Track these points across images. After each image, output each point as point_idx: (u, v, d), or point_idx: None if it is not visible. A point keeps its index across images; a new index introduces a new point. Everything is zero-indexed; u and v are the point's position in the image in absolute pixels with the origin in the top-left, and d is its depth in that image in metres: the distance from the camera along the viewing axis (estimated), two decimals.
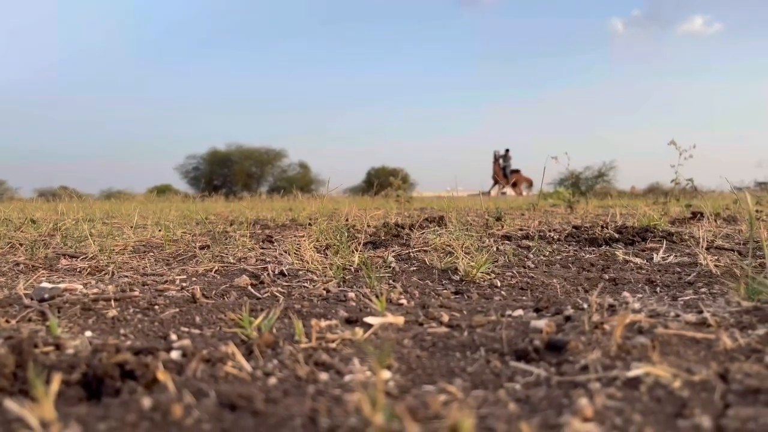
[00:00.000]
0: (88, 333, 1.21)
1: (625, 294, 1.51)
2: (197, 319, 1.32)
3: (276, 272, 1.95)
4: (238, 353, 0.99)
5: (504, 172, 22.50)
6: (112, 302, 1.43)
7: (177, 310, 1.39)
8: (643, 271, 1.96)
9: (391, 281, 1.81)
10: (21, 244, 2.67)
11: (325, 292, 1.63)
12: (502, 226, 3.44)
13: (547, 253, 2.38)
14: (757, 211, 4.37)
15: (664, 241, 2.57)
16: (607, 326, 1.06)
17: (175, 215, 4.59)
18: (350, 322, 1.28)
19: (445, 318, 1.29)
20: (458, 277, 1.85)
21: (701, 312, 1.16)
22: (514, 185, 22.39)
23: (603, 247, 2.59)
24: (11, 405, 0.68)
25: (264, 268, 2.01)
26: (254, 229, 3.79)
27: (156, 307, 1.42)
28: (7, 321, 1.28)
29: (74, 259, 2.28)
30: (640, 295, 1.52)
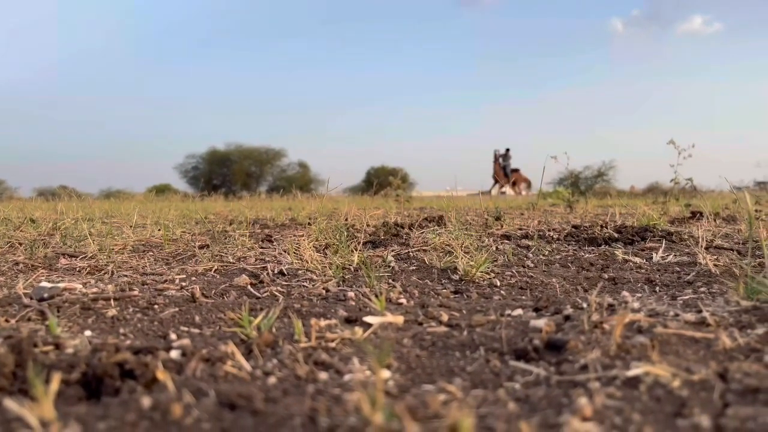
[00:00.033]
0: (88, 332, 1.20)
1: (625, 293, 1.51)
2: (197, 318, 1.32)
3: (275, 272, 1.95)
4: (237, 353, 0.99)
5: (504, 171, 22.50)
6: (112, 302, 1.43)
7: (176, 309, 1.39)
8: (643, 271, 1.96)
9: (390, 281, 1.81)
10: (20, 244, 2.67)
11: (324, 291, 1.63)
12: (502, 226, 3.44)
13: (547, 252, 2.39)
14: (756, 210, 4.37)
15: (664, 241, 2.57)
16: (606, 326, 1.06)
17: (174, 215, 4.59)
18: (350, 321, 1.28)
19: (445, 317, 1.29)
20: (458, 277, 1.85)
21: (700, 311, 1.16)
22: (514, 184, 22.40)
23: (602, 246, 2.59)
24: (11, 404, 0.68)
25: (263, 267, 2.01)
26: (254, 228, 3.79)
27: (155, 306, 1.42)
28: (7, 320, 1.28)
29: (74, 259, 2.28)
30: (640, 295, 1.52)
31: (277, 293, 1.62)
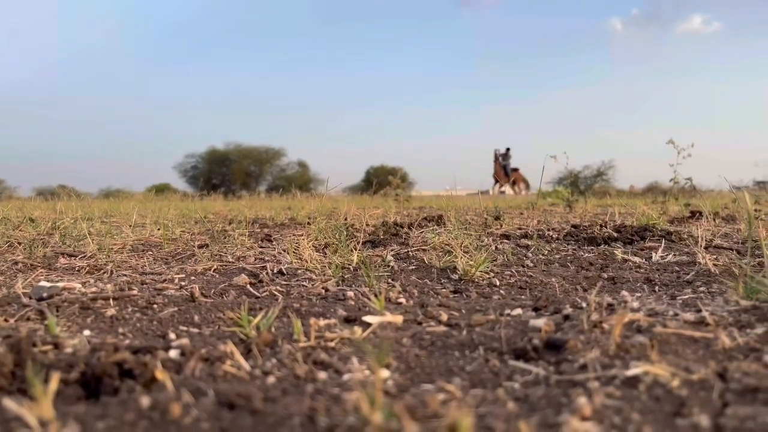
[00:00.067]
0: (87, 332, 1.20)
1: (624, 293, 1.51)
2: (196, 318, 1.32)
3: (275, 271, 1.95)
4: (236, 352, 0.99)
5: (505, 170, 22.51)
6: (111, 301, 1.43)
7: (176, 309, 1.39)
8: (642, 270, 1.96)
9: (389, 280, 1.81)
10: (19, 243, 2.67)
11: (323, 291, 1.63)
12: (501, 225, 3.44)
13: (546, 252, 2.39)
14: (755, 210, 4.37)
15: (663, 240, 2.57)
16: (605, 325, 1.06)
17: (173, 214, 4.59)
18: (349, 321, 1.28)
19: (444, 317, 1.29)
20: (457, 276, 1.85)
21: (700, 311, 1.16)
22: (513, 183, 22.41)
23: (602, 246, 2.59)
24: (10, 404, 0.68)
25: (263, 267, 2.01)
26: (253, 228, 3.79)
27: (155, 306, 1.42)
28: (6, 320, 1.28)
29: (73, 258, 2.28)
30: (639, 294, 1.52)
31: (276, 293, 1.62)
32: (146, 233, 3.04)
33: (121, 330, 1.23)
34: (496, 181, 22.22)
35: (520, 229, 3.26)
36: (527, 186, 22.07)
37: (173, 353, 0.98)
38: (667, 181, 5.18)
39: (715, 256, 2.09)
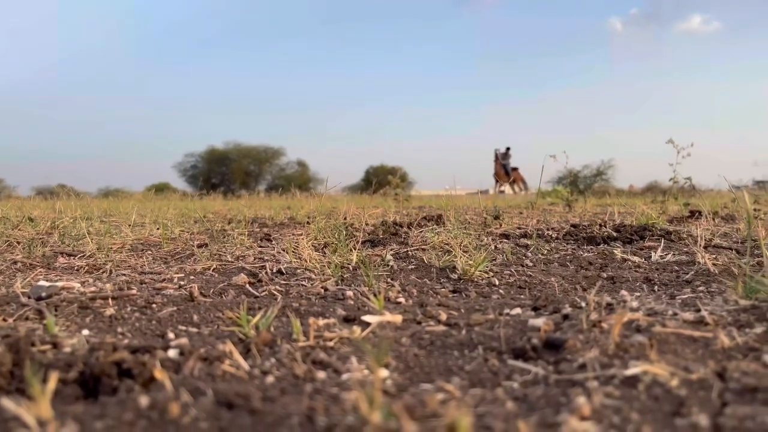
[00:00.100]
0: (86, 331, 1.20)
1: (623, 292, 1.51)
2: (195, 317, 1.32)
3: (274, 271, 1.94)
4: (235, 352, 0.98)
5: (505, 169, 22.52)
6: (110, 301, 1.43)
7: (175, 308, 1.39)
8: (641, 270, 1.96)
9: (389, 280, 1.80)
10: (18, 243, 2.67)
11: (323, 290, 1.63)
12: (501, 225, 3.44)
13: (546, 251, 2.39)
14: (754, 209, 4.38)
15: (662, 240, 2.57)
16: (605, 325, 1.06)
17: (173, 213, 4.58)
18: (348, 320, 1.28)
19: (443, 316, 1.29)
20: (456, 276, 1.85)
21: (699, 310, 1.16)
22: (513, 183, 22.41)
23: (601, 245, 2.59)
24: (8, 404, 0.68)
25: (262, 266, 2.01)
26: (252, 227, 3.79)
27: (153, 305, 1.42)
28: (5, 319, 1.28)
29: (72, 258, 2.28)
30: (638, 294, 1.52)
31: (275, 292, 1.62)
32: (145, 233, 3.03)
33: (119, 329, 1.22)
34: (497, 181, 22.23)
35: (519, 228, 3.26)
36: (525, 185, 22.08)
37: (172, 353, 0.98)
38: (667, 180, 5.19)
39: (714, 256, 2.09)
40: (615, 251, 2.28)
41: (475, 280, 1.79)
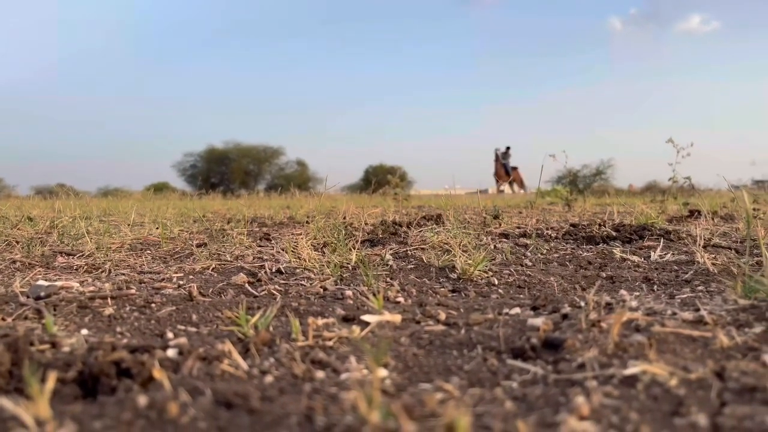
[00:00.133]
0: (84, 331, 1.20)
1: (623, 292, 1.51)
2: (194, 317, 1.32)
3: (273, 270, 1.94)
4: (234, 351, 0.98)
5: (506, 168, 22.53)
6: (109, 300, 1.43)
7: (173, 308, 1.39)
8: (641, 269, 1.96)
9: (388, 279, 1.80)
10: (17, 242, 2.66)
11: (322, 290, 1.63)
12: (500, 224, 3.44)
13: (545, 251, 2.39)
14: (754, 209, 4.38)
15: (662, 239, 2.57)
16: (604, 324, 1.06)
17: (172, 213, 4.58)
18: (347, 320, 1.28)
19: (442, 316, 1.29)
20: (455, 275, 1.85)
21: (698, 310, 1.16)
22: (512, 182, 22.42)
23: (600, 245, 2.59)
24: (6, 403, 0.68)
25: (261, 266, 2.01)
26: (252, 227, 3.79)
27: (152, 305, 1.42)
28: (3, 319, 1.28)
29: (71, 257, 2.27)
30: (638, 293, 1.52)
31: (274, 292, 1.62)
32: (145, 232, 3.03)
33: (118, 329, 1.22)
34: (497, 180, 22.23)
35: (518, 228, 3.26)
36: (522, 185, 22.09)
37: (171, 352, 0.98)
38: (666, 180, 5.19)
39: (713, 255, 2.09)
40: (614, 251, 2.28)
41: (475, 279, 1.79)
